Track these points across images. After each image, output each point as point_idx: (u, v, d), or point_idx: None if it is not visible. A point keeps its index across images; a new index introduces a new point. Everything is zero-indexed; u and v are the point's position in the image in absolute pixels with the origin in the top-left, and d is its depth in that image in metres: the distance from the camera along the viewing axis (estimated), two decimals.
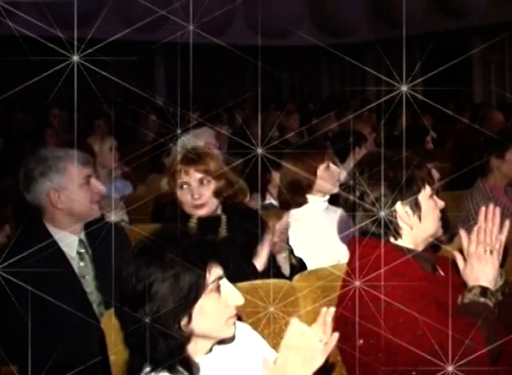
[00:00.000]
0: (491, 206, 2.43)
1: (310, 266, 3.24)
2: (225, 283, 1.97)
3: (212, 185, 3.17)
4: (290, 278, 2.80)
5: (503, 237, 2.40)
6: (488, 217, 2.40)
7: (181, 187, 3.18)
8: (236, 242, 2.84)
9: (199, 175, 3.17)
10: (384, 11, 14.53)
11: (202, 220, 3.17)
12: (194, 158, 3.21)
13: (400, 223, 2.42)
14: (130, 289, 1.88)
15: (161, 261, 1.88)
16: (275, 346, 2.28)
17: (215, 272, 1.93)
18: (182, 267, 1.87)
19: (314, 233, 3.56)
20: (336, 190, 3.68)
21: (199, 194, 3.16)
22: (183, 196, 3.17)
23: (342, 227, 3.48)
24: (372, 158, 2.50)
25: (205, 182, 3.17)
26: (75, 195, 2.83)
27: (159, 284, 1.86)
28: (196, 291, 1.88)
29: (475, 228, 2.41)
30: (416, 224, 2.42)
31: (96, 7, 13.21)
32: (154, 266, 1.88)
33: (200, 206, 3.18)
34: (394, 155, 2.46)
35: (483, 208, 2.42)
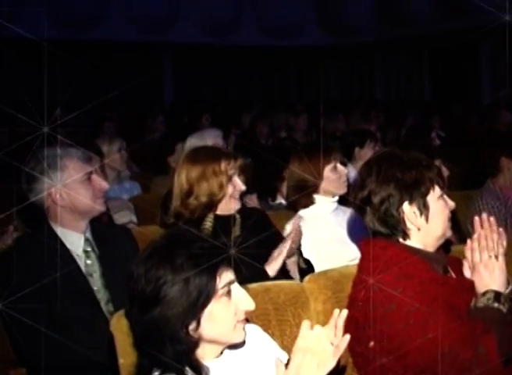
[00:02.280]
0: (484, 215, 2.42)
1: (320, 267, 3.22)
2: (236, 287, 1.94)
3: (242, 179, 3.19)
4: (300, 280, 2.79)
5: (504, 242, 2.39)
6: (485, 226, 2.39)
7: (230, 179, 3.15)
8: (249, 246, 2.81)
9: (237, 169, 3.17)
10: (391, 11, 14.51)
11: (218, 219, 3.15)
12: (233, 153, 3.23)
13: (408, 224, 2.40)
14: (140, 290, 1.87)
15: (172, 264, 1.86)
16: (286, 348, 2.26)
17: (226, 277, 1.91)
18: (192, 271, 1.85)
19: (324, 234, 3.55)
20: (343, 191, 3.66)
21: (242, 185, 3.17)
22: (230, 189, 3.15)
23: (352, 227, 3.46)
24: (381, 157, 2.48)
25: (240, 175, 3.19)
26: (76, 192, 2.83)
27: (168, 287, 1.84)
28: (205, 296, 1.86)
29: (474, 236, 2.40)
30: (423, 225, 2.40)
31: (103, 8, 13.25)
32: (164, 269, 1.86)
33: (239, 199, 3.17)
34: (404, 155, 2.44)
35: (476, 218, 2.41)
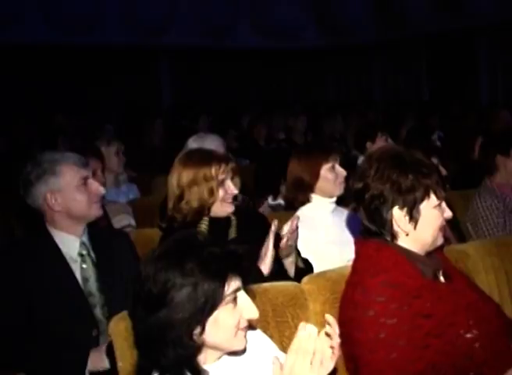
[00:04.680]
0: None
1: (318, 268, 3.22)
2: (242, 295, 1.93)
3: (236, 182, 3.18)
4: (298, 280, 2.78)
5: None
6: None
7: (221, 183, 3.13)
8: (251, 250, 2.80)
9: (230, 173, 3.15)
10: (389, 12, 14.52)
11: (213, 221, 3.15)
12: (225, 156, 3.21)
13: (395, 227, 2.37)
14: (146, 291, 1.86)
15: (182, 268, 1.85)
16: (285, 349, 2.26)
17: (234, 284, 1.89)
18: (201, 277, 1.84)
19: (322, 234, 3.55)
20: (339, 192, 3.66)
21: (234, 189, 3.15)
22: (221, 193, 3.13)
23: (350, 228, 3.46)
24: (384, 154, 2.43)
25: (234, 178, 3.18)
26: (72, 197, 2.83)
27: (176, 291, 1.83)
28: (213, 302, 1.85)
29: None
30: (411, 231, 2.36)
31: (100, 11, 13.25)
32: (173, 272, 1.84)
33: (232, 202, 3.16)
34: (407, 157, 2.39)
35: None
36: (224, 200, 3.13)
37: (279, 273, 3.03)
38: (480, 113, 9.41)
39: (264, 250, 3.01)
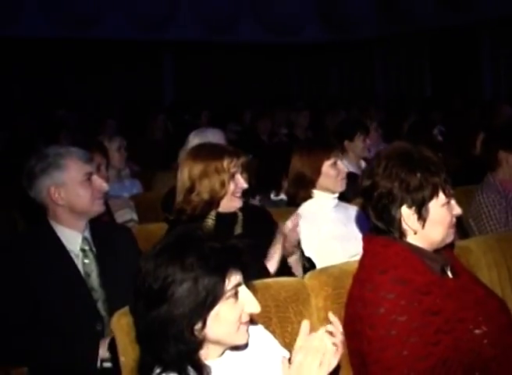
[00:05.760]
0: None
1: (321, 264, 3.22)
2: (243, 290, 1.93)
3: (245, 176, 3.18)
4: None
5: None
6: None
7: (232, 177, 3.13)
8: (256, 246, 2.80)
9: (240, 167, 3.16)
10: (391, 7, 14.50)
11: (220, 216, 3.15)
12: (237, 150, 3.21)
13: (404, 225, 2.36)
14: (147, 287, 1.85)
15: (182, 263, 1.84)
16: (287, 345, 2.26)
17: (234, 279, 1.89)
18: (202, 271, 1.84)
19: (325, 230, 3.54)
20: (340, 189, 3.66)
21: (244, 183, 3.15)
22: (232, 187, 3.13)
23: (359, 223, 3.46)
24: (392, 152, 2.42)
25: (243, 172, 3.18)
26: (75, 192, 2.83)
27: (177, 286, 1.83)
28: (213, 297, 1.84)
29: None
30: (419, 230, 2.35)
31: (102, 6, 13.24)
32: (173, 267, 1.84)
33: (241, 196, 3.16)
34: (415, 154, 2.37)
35: None
36: (234, 194, 3.13)
37: (281, 270, 3.03)
38: (482, 108, 9.38)
39: (273, 249, 3.02)
